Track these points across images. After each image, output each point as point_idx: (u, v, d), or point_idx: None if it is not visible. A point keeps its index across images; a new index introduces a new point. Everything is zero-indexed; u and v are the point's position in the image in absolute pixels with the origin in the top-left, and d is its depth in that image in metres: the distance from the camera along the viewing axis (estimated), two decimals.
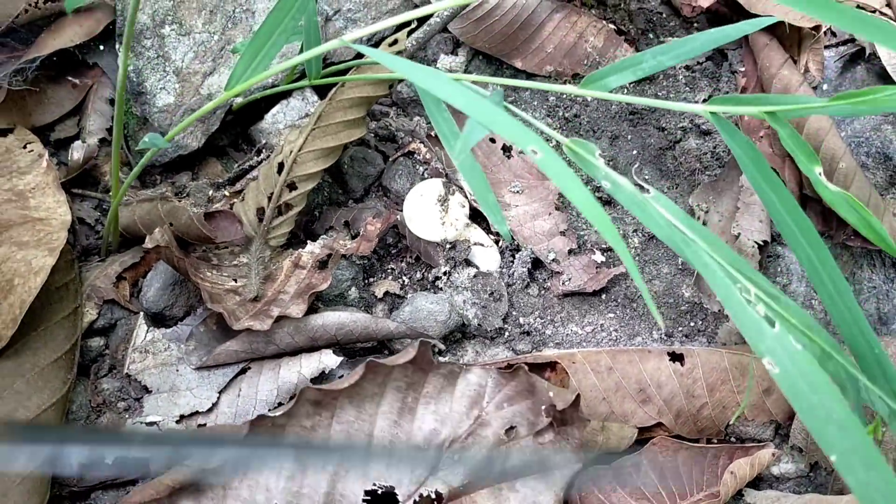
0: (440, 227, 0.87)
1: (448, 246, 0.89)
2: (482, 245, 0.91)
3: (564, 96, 1.04)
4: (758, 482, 0.80)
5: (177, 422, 0.78)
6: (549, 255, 0.91)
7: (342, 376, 0.74)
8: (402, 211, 0.91)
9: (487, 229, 0.93)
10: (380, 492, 0.69)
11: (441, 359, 0.81)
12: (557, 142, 0.65)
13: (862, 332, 0.60)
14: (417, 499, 0.69)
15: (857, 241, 0.84)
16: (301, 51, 0.86)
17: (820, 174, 0.60)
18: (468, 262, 0.91)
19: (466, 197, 0.91)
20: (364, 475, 0.69)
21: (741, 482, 0.76)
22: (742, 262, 0.63)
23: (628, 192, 0.64)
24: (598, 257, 0.93)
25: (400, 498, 0.69)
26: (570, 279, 0.90)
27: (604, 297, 0.91)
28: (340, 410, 0.71)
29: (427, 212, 0.88)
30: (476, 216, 0.93)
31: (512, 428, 0.71)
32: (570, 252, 0.92)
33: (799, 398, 0.49)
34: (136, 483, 0.76)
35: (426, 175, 0.98)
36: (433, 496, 0.69)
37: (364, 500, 0.68)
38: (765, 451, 0.79)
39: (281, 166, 0.86)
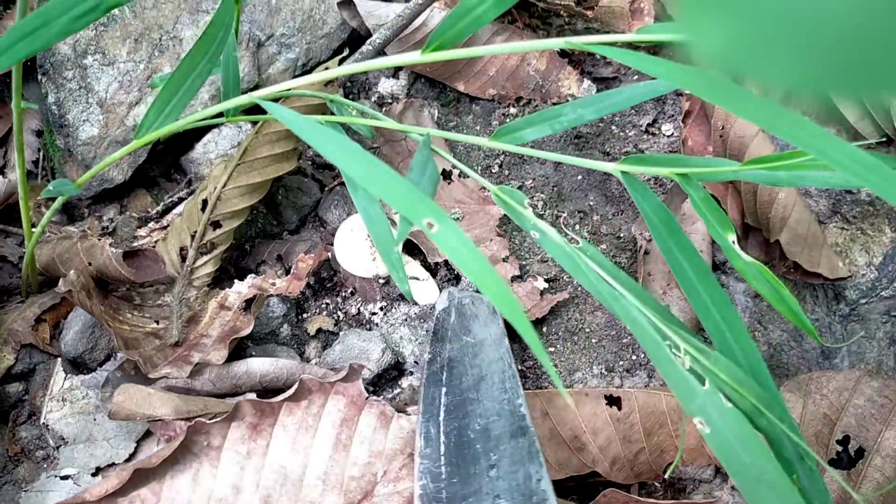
0: (371, 262, 0.85)
1: (381, 281, 0.87)
2: (418, 279, 0.88)
3: (507, 120, 1.02)
4: None
5: (93, 474, 0.75)
6: None
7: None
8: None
9: (424, 262, 0.91)
10: None
11: (374, 398, 0.79)
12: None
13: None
14: None
15: (797, 274, 0.81)
16: (221, 93, 0.83)
17: (733, 242, 0.58)
18: (404, 298, 0.88)
19: None
20: (297, 499, 0.67)
21: None
22: (670, 316, 0.61)
23: (556, 243, 0.61)
24: (541, 284, 0.90)
25: None
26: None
27: (545, 329, 0.89)
28: (275, 439, 0.70)
29: (357, 247, 0.85)
30: (412, 249, 0.91)
31: None
32: (512, 279, 0.90)
33: (730, 459, 0.48)
34: None
35: None
36: None
37: None
38: (714, 502, 0.77)
39: (205, 203, 0.83)
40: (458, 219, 0.93)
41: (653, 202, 0.62)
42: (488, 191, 0.96)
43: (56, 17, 0.53)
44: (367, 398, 0.71)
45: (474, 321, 0.78)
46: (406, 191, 0.52)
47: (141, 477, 0.65)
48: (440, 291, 0.90)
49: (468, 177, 0.98)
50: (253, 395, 0.77)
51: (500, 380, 0.72)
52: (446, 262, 0.90)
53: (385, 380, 0.85)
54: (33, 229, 0.78)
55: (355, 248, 0.85)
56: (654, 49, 1.06)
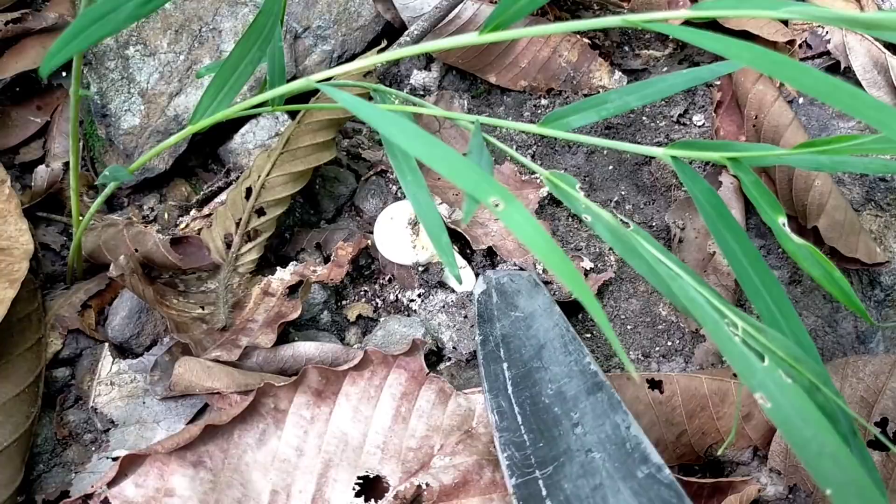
0: (411, 250, 0.86)
1: (421, 269, 0.88)
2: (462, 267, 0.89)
3: (539, 111, 1.03)
4: None
5: None
6: (536, 264, 0.90)
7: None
8: (373, 233, 0.89)
9: (462, 250, 0.92)
10: (371, 476, 0.69)
11: (434, 375, 0.80)
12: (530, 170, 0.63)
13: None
14: (407, 486, 0.69)
15: (834, 260, 0.83)
16: (265, 82, 0.85)
17: (784, 224, 0.59)
18: (442, 284, 0.89)
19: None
20: (356, 465, 0.70)
21: None
22: (719, 298, 0.62)
23: (610, 225, 0.62)
24: (587, 263, 0.91)
25: (391, 484, 0.69)
26: (559, 288, 0.89)
27: (580, 316, 0.90)
28: (338, 407, 0.72)
29: (397, 235, 0.86)
30: (450, 236, 0.92)
31: None
32: None
33: (792, 432, 0.49)
34: None
35: (399, 195, 0.96)
36: (423, 487, 0.69)
37: (356, 484, 0.69)
38: (751, 487, 0.78)
39: (249, 192, 0.84)
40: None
41: (702, 186, 0.63)
42: (526, 176, 0.98)
43: (124, 3, 0.54)
44: (427, 374, 0.73)
45: (518, 297, 0.79)
46: (472, 171, 0.53)
47: (210, 433, 0.68)
48: (476, 279, 0.91)
49: (503, 163, 1.00)
50: None
51: (561, 344, 0.73)
52: (482, 252, 0.91)
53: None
54: (81, 217, 0.79)
55: (395, 237, 0.86)
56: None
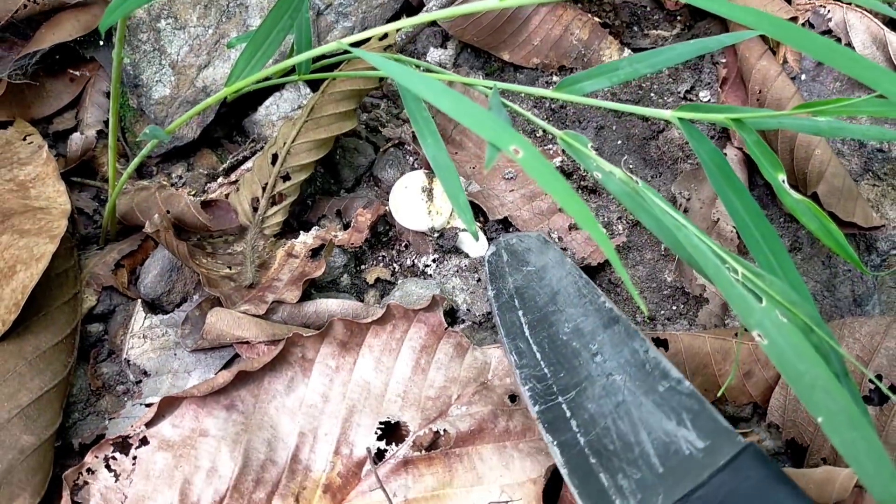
0: (426, 216, 0.90)
1: (436, 234, 0.92)
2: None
3: (551, 87, 1.07)
4: None
5: None
6: (551, 233, 0.94)
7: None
8: (389, 201, 0.93)
9: (475, 216, 0.96)
10: (392, 422, 0.74)
11: (453, 329, 0.84)
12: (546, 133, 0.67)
13: None
14: (426, 431, 0.73)
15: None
16: (293, 48, 0.89)
17: (783, 181, 0.63)
18: (457, 250, 0.94)
19: None
20: (378, 412, 0.75)
21: None
22: (723, 248, 0.66)
23: (620, 181, 0.67)
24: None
25: (410, 429, 0.73)
26: (573, 254, 0.93)
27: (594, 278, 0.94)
28: (362, 358, 0.76)
29: (412, 203, 0.90)
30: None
31: (515, 397, 0.76)
32: (570, 228, 0.95)
33: (787, 367, 0.52)
34: None
35: (416, 165, 1.01)
36: (441, 433, 0.73)
37: (378, 429, 0.73)
38: (751, 438, 0.82)
39: (275, 157, 0.89)
40: (511, 178, 0.99)
41: (708, 147, 0.67)
42: (538, 147, 1.02)
43: None
44: (446, 328, 0.77)
45: (528, 254, 0.83)
46: (493, 122, 0.57)
47: (242, 379, 0.72)
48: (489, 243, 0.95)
49: None
50: None
51: (574, 289, 0.77)
52: (497, 223, 0.95)
53: None
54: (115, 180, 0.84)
55: (410, 204, 0.91)
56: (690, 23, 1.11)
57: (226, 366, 0.82)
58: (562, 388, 0.70)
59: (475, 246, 0.94)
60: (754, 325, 0.55)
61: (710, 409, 0.66)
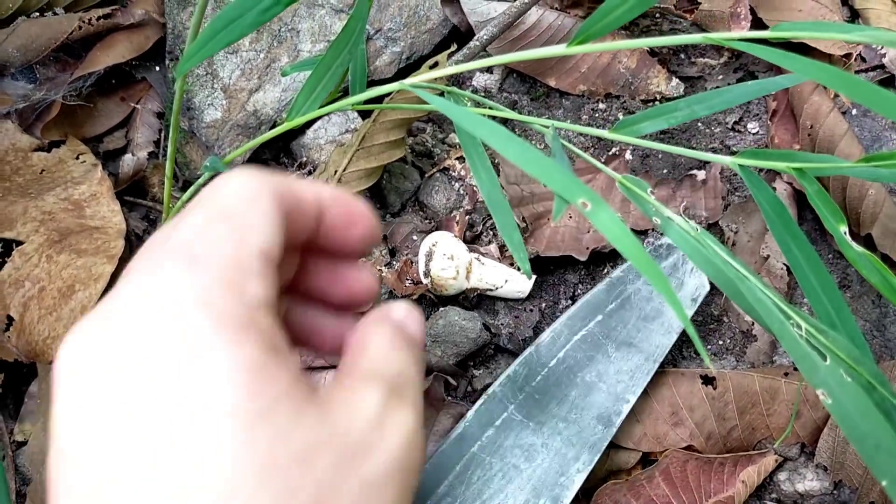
0: (453, 280, 0.89)
1: (473, 296, 0.91)
2: (511, 277, 0.92)
3: (597, 115, 1.07)
4: (782, 498, 0.83)
5: None
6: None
7: None
8: (435, 230, 0.94)
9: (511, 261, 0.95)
10: None
11: (452, 400, 0.84)
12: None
13: None
14: None
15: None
16: (345, 75, 0.89)
17: (845, 233, 0.63)
18: (506, 305, 0.93)
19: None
20: None
21: (751, 489, 0.80)
22: (785, 301, 0.66)
23: (681, 230, 0.66)
24: None
25: None
26: None
27: None
28: None
29: (439, 265, 0.89)
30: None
31: None
32: None
33: (851, 427, 0.52)
34: None
35: (461, 191, 1.01)
36: None
37: None
38: (768, 458, 0.82)
39: None
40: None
41: (768, 195, 0.66)
42: (584, 177, 1.02)
43: (249, 10, 0.59)
44: (445, 401, 0.77)
45: None
46: (561, 172, 0.57)
47: None
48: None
49: None
50: None
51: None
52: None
53: (483, 356, 0.91)
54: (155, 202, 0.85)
55: (437, 272, 0.90)
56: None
57: None
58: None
59: (518, 286, 0.92)
60: (819, 385, 0.55)
61: None
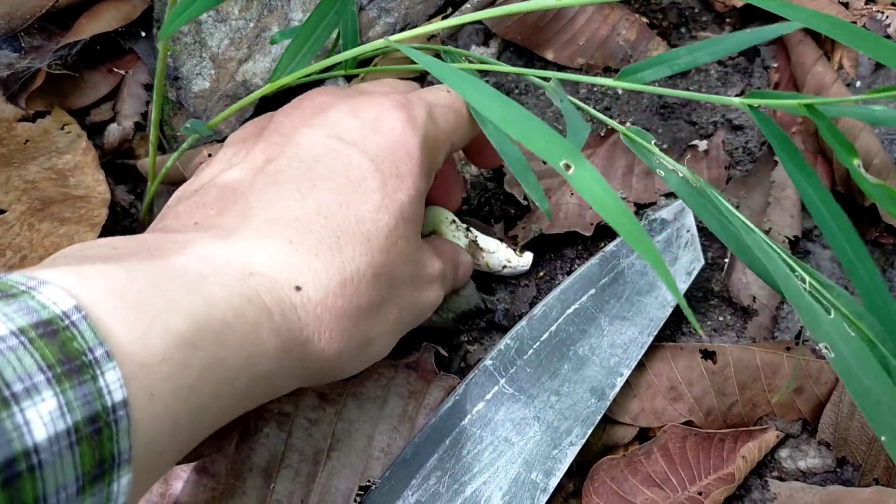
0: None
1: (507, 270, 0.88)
2: (509, 263, 0.89)
3: (596, 89, 1.05)
4: (784, 476, 0.80)
5: None
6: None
7: None
8: None
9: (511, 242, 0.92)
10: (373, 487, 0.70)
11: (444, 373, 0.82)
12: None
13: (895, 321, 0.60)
14: None
15: (890, 238, 0.84)
16: (335, 43, 0.87)
17: (859, 166, 0.60)
18: (502, 279, 0.90)
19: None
20: (356, 472, 0.71)
21: (751, 465, 0.78)
22: (790, 254, 0.64)
23: (683, 180, 0.64)
24: None
25: None
26: None
27: None
28: (344, 409, 0.73)
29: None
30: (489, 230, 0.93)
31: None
32: None
33: (852, 381, 0.51)
34: None
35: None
36: None
37: (358, 494, 0.70)
38: (770, 433, 0.79)
39: None
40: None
41: (778, 134, 0.64)
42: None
43: None
44: (437, 373, 0.75)
45: None
46: (543, 133, 0.54)
47: (213, 437, 0.66)
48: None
49: None
50: None
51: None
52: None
53: (476, 329, 0.89)
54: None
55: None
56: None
57: None
58: None
59: (520, 265, 0.89)
60: (822, 338, 0.53)
61: None
